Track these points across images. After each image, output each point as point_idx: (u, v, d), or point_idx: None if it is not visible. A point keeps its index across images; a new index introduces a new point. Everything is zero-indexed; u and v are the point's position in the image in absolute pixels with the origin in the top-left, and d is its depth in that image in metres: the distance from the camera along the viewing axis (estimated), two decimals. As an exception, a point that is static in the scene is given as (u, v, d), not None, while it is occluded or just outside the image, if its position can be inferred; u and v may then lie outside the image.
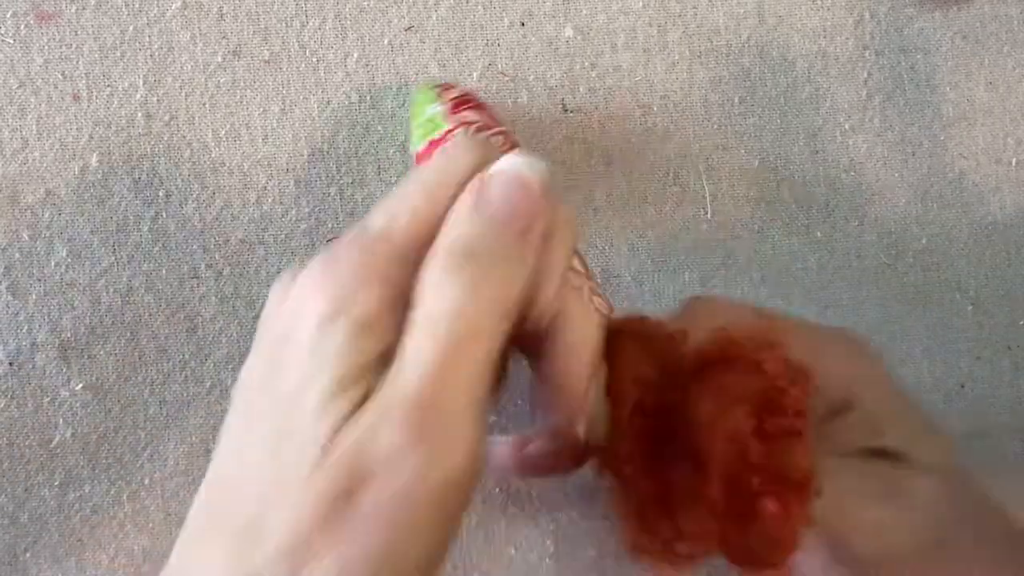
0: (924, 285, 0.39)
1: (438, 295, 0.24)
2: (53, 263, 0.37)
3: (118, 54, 0.37)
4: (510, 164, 0.26)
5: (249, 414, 0.26)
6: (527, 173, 0.26)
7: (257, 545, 0.24)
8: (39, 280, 0.37)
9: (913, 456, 0.31)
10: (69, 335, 0.37)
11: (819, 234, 0.39)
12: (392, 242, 0.25)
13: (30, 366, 0.37)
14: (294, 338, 0.25)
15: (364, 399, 0.24)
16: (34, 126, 0.37)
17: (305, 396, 0.24)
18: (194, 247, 0.38)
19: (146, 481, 0.38)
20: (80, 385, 0.37)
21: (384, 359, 0.24)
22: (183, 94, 0.38)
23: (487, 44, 0.38)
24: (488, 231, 0.25)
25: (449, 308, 0.24)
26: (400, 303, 0.24)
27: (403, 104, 0.38)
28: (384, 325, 0.24)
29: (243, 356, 0.37)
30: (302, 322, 0.24)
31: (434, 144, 0.32)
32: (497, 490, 0.38)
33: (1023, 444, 0.39)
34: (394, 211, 0.25)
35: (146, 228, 0.38)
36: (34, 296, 0.37)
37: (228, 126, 0.38)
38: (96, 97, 0.37)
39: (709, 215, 0.39)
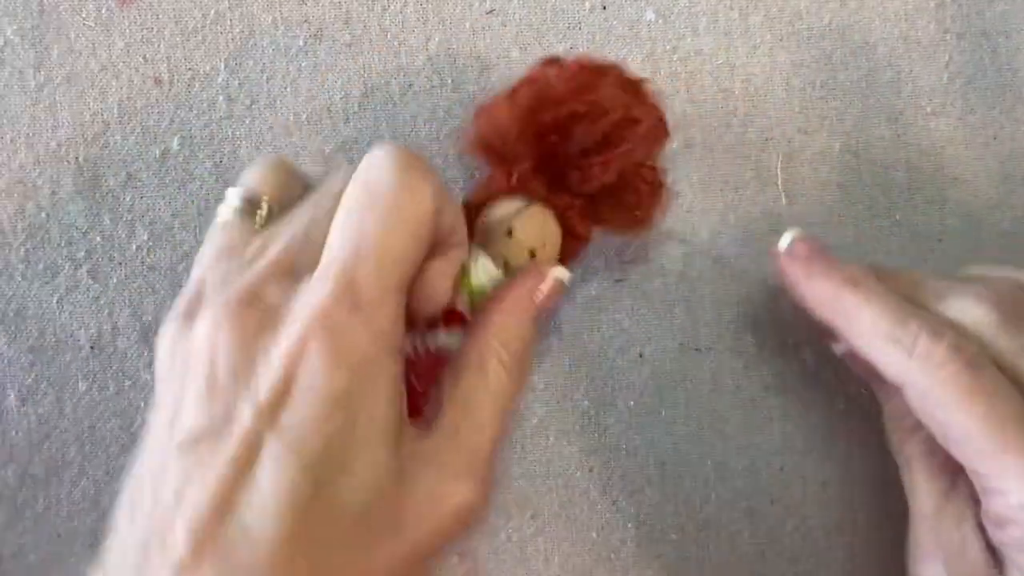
0: (1006, 269, 0.39)
1: None
2: (134, 247, 0.37)
3: (199, 37, 0.37)
4: None
5: None
6: None
7: None
8: (120, 264, 0.37)
9: None
10: (150, 319, 0.37)
11: (900, 218, 0.39)
12: None
13: (111, 349, 0.37)
14: None
15: None
16: (115, 109, 0.37)
17: None
18: (276, 230, 0.38)
19: (227, 464, 0.38)
20: (161, 368, 0.37)
21: None
22: (264, 77, 0.38)
23: (568, 27, 0.38)
24: None
25: None
26: None
27: (483, 88, 0.38)
28: None
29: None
30: None
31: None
32: (579, 474, 0.38)
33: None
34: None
35: (227, 212, 0.38)
36: (115, 280, 0.37)
37: (310, 110, 0.38)
38: (177, 80, 0.37)
39: (784, 202, 0.39)
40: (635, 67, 0.38)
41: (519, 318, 0.30)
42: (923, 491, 0.33)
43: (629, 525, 0.39)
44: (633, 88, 0.32)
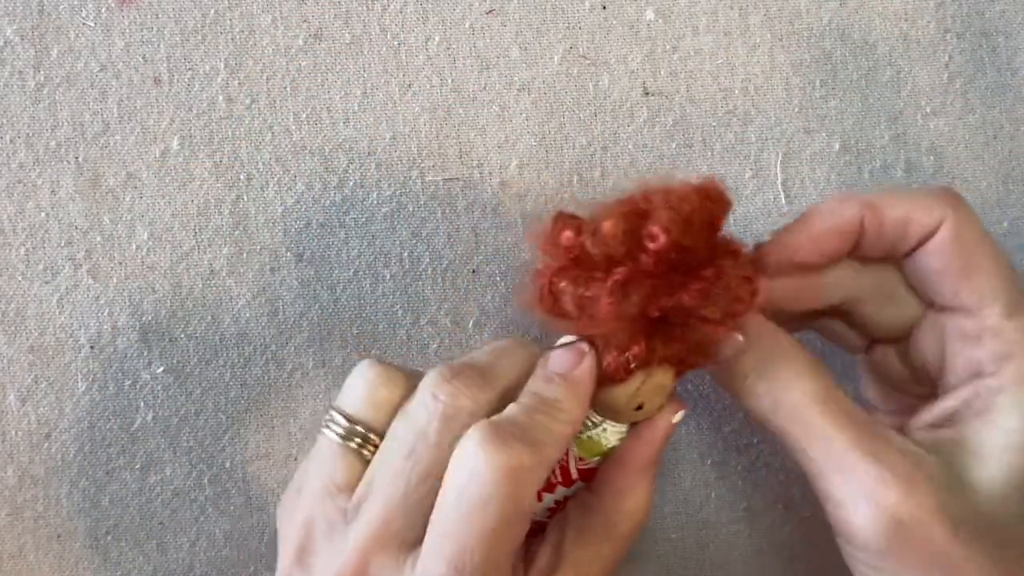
0: (1006, 268, 0.39)
1: None
2: (134, 246, 0.37)
3: (199, 37, 0.37)
4: None
5: None
6: None
7: None
8: (120, 264, 0.37)
9: None
10: (150, 318, 0.37)
11: (900, 218, 0.39)
12: None
13: (111, 349, 0.37)
14: None
15: None
16: (115, 109, 0.37)
17: None
18: (275, 230, 0.38)
19: (227, 464, 0.38)
20: (161, 368, 0.37)
21: None
22: (264, 77, 0.38)
23: (568, 27, 0.38)
24: None
25: None
26: None
27: (484, 87, 0.38)
28: None
29: (324, 339, 0.38)
30: None
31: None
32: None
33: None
34: None
35: (227, 211, 0.38)
36: (115, 279, 0.37)
37: (309, 109, 0.38)
38: (177, 80, 0.37)
39: (783, 202, 0.39)
40: (634, 66, 0.38)
41: (645, 486, 0.31)
42: None
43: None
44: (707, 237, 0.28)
